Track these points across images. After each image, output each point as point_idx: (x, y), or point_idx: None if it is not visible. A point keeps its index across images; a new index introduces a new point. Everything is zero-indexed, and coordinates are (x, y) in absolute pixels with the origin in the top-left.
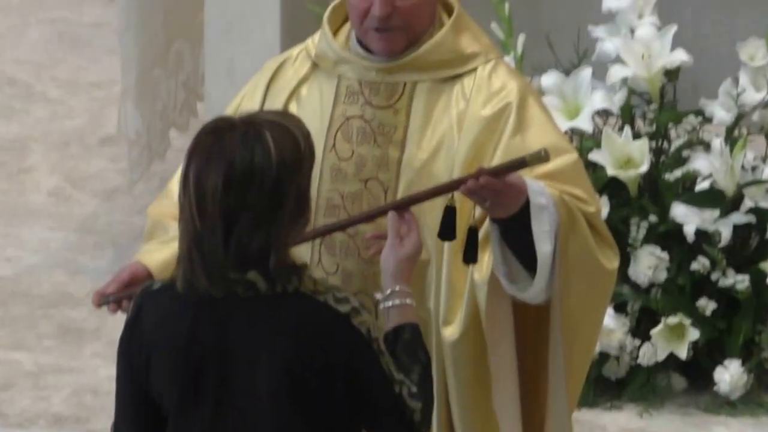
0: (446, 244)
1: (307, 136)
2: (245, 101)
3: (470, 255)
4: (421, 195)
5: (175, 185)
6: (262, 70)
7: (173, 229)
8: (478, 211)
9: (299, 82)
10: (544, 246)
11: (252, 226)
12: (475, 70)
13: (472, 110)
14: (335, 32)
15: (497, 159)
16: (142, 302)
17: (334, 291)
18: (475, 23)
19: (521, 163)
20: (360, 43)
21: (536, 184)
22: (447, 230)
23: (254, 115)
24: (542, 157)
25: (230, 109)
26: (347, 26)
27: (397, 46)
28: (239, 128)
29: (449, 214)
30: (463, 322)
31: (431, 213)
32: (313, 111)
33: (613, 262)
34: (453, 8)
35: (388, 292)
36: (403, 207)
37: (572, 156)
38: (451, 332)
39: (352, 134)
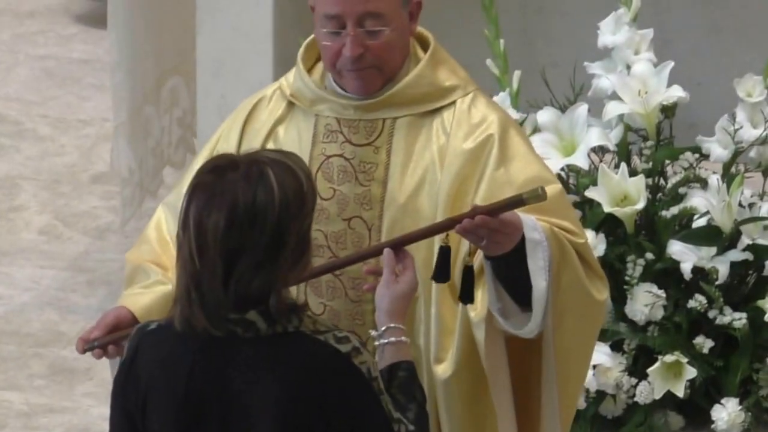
0: (434, 283)
1: (308, 175)
2: (221, 143)
3: (467, 295)
4: (416, 234)
5: (152, 231)
6: (237, 111)
7: (154, 273)
8: (466, 246)
9: (276, 122)
10: (539, 282)
11: (253, 267)
12: (454, 103)
13: (454, 144)
14: (309, 70)
15: (481, 192)
16: (139, 343)
17: (334, 331)
18: (450, 57)
19: (519, 202)
20: (336, 80)
21: (529, 219)
22: (441, 272)
23: (256, 153)
24: (540, 195)
25: (206, 151)
26: (321, 64)
27: (372, 84)
28: (241, 166)
29: (444, 255)
30: (456, 360)
31: (418, 250)
32: (292, 151)
33: (602, 293)
34: (428, 42)
35: (383, 329)
36: (398, 246)
37: (557, 187)
38: (443, 369)
39: (333, 173)
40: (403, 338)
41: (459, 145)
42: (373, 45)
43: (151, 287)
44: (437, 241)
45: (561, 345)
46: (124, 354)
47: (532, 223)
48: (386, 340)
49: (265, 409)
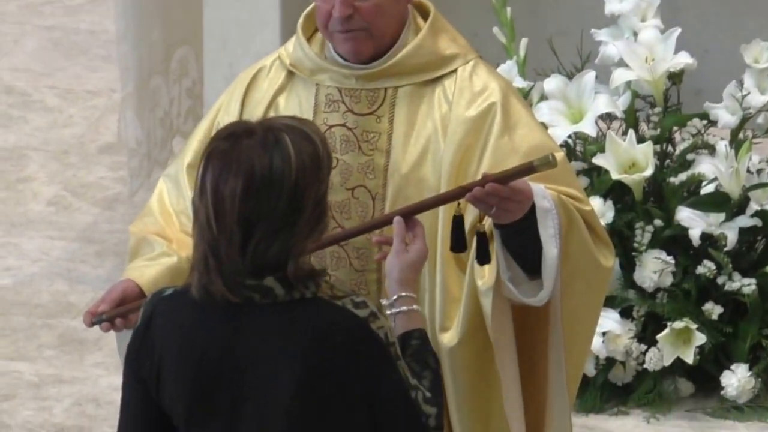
0: (438, 250)
1: (324, 140)
2: (221, 114)
3: (484, 257)
4: (426, 203)
5: (155, 203)
6: (236, 82)
7: (159, 245)
8: (472, 215)
9: (276, 92)
10: (551, 250)
11: (270, 233)
12: (455, 71)
13: (456, 112)
14: (309, 39)
15: (486, 160)
16: (153, 309)
17: (351, 296)
18: (450, 25)
19: (530, 169)
20: (336, 50)
21: (538, 187)
22: (457, 242)
23: (271, 120)
24: (550, 162)
25: (206, 122)
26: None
27: (363, 47)
28: (257, 133)
29: (458, 224)
30: (461, 328)
31: (423, 218)
32: None
33: (609, 260)
34: (428, 11)
35: (394, 298)
36: (408, 215)
37: (560, 154)
38: (449, 338)
39: (336, 143)
40: (414, 306)
41: (461, 113)
42: (362, 6)
43: (156, 259)
44: (442, 209)
45: (568, 311)
46: (138, 320)
47: (541, 191)
48: (398, 309)
49: (282, 375)
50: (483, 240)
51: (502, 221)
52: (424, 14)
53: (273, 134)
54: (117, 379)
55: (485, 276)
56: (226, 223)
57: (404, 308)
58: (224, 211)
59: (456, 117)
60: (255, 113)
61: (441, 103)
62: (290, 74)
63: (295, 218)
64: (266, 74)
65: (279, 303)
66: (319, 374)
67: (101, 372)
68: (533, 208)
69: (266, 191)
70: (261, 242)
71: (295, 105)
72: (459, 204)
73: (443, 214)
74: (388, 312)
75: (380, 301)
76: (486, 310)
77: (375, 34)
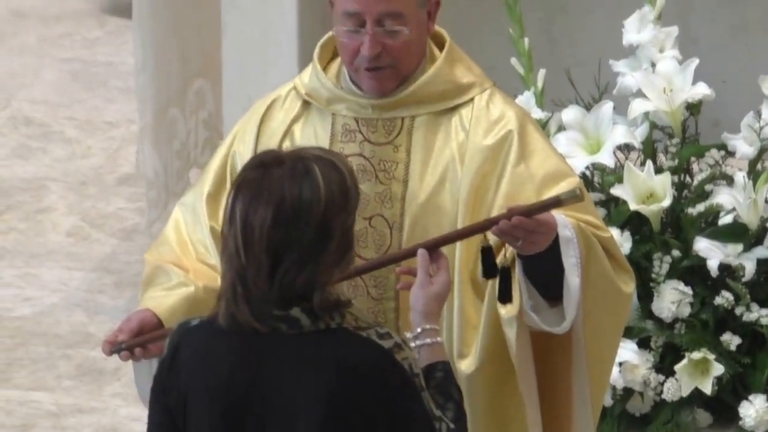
0: (457, 277)
1: (351, 171)
2: (237, 144)
3: (506, 295)
4: (451, 236)
5: (171, 232)
6: (251, 112)
7: (176, 275)
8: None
9: (291, 122)
10: (573, 279)
11: (298, 262)
12: (472, 100)
13: (473, 140)
14: (324, 68)
15: (503, 188)
16: (180, 339)
17: (376, 327)
18: (465, 54)
19: (556, 203)
20: (352, 80)
21: (559, 216)
22: (490, 269)
23: (301, 150)
24: (577, 196)
25: (222, 150)
26: (336, 62)
27: (388, 84)
28: (287, 163)
29: (487, 254)
30: (480, 356)
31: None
32: None
33: (629, 286)
34: (443, 40)
35: (419, 330)
36: (433, 247)
37: (576, 180)
38: (467, 365)
39: None
40: (438, 339)
41: (479, 141)
42: (391, 44)
43: (174, 289)
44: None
45: (589, 338)
46: (165, 350)
47: (562, 220)
48: (422, 342)
49: (307, 406)
50: (506, 276)
51: (527, 252)
52: (439, 43)
53: (302, 164)
54: (135, 410)
55: (509, 305)
56: (255, 253)
57: (428, 341)
58: (253, 240)
59: (473, 145)
60: (270, 143)
61: (458, 132)
62: (306, 104)
63: (323, 248)
64: (281, 104)
65: (305, 333)
66: (344, 405)
67: (120, 402)
68: (555, 236)
69: (295, 221)
70: (289, 272)
71: (311, 135)
72: (485, 235)
73: (462, 241)
74: (413, 344)
75: (405, 334)
76: (510, 339)
77: (401, 71)
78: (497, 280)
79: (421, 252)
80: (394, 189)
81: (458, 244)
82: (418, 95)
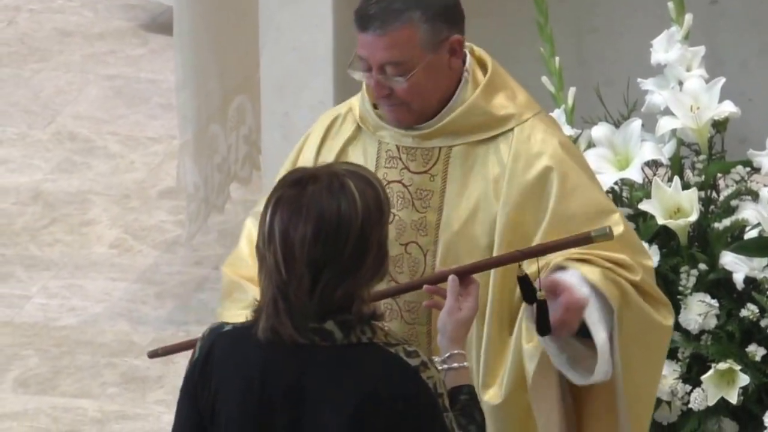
0: (488, 306)
1: (382, 185)
2: (305, 152)
3: (544, 328)
4: (483, 264)
5: (245, 245)
6: (316, 125)
7: (252, 291)
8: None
9: (346, 142)
10: (599, 335)
11: (338, 276)
12: (511, 130)
13: (512, 174)
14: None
15: (544, 227)
16: (213, 343)
17: (404, 344)
18: (511, 79)
19: (586, 239)
20: None
21: (575, 275)
22: (530, 295)
23: (332, 166)
24: (607, 234)
25: (289, 163)
26: None
27: (405, 118)
28: (322, 179)
29: (525, 282)
30: (507, 387)
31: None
32: None
33: (668, 319)
34: (486, 66)
35: (446, 355)
36: (464, 274)
37: (617, 215)
38: (491, 395)
39: (393, 198)
40: (465, 363)
41: (518, 175)
42: (396, 88)
43: (248, 308)
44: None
45: (630, 378)
46: (196, 352)
47: (578, 280)
48: (449, 366)
49: (334, 418)
50: (544, 308)
51: (561, 334)
52: (484, 67)
53: (338, 180)
54: None
55: (533, 337)
56: (296, 268)
57: (455, 365)
58: (294, 256)
59: (511, 179)
60: (328, 158)
61: (494, 165)
62: (359, 127)
63: (361, 261)
64: (341, 122)
65: (337, 346)
66: (368, 420)
67: (163, 409)
68: None
69: (335, 235)
70: (329, 285)
71: (360, 156)
72: (519, 265)
73: (497, 271)
74: (440, 367)
75: (433, 358)
76: (528, 372)
77: (415, 108)
78: (529, 311)
79: (452, 278)
80: (429, 218)
81: (492, 275)
82: (452, 127)
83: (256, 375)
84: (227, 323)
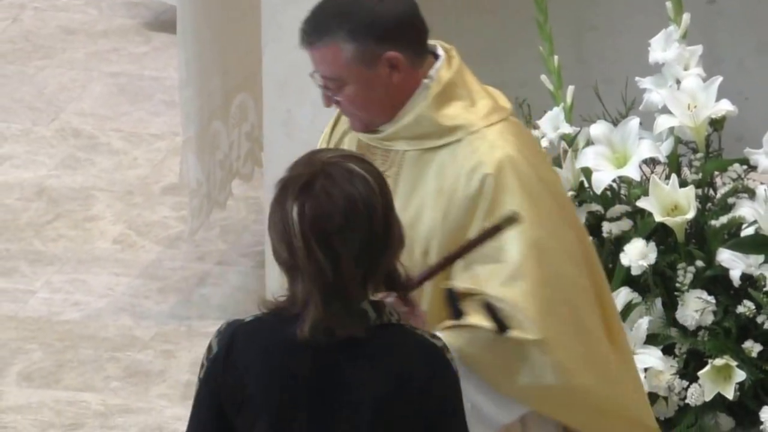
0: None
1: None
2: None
3: (457, 312)
4: (425, 273)
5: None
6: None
7: None
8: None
9: (343, 133)
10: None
11: (374, 257)
12: (459, 141)
13: (453, 187)
14: None
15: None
16: (233, 336)
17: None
18: (478, 87)
19: (496, 230)
20: None
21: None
22: (457, 311)
23: (323, 154)
24: (514, 218)
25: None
26: None
27: (356, 126)
28: (328, 168)
29: (450, 295)
30: None
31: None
32: None
33: (532, 332)
34: (459, 71)
35: None
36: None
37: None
38: None
39: None
40: None
41: (459, 189)
42: (340, 100)
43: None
44: None
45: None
46: (215, 348)
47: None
48: None
49: (369, 398)
50: (451, 296)
51: None
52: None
53: (340, 167)
54: (180, 410)
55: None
56: (342, 263)
57: None
58: (336, 252)
59: (453, 193)
60: (336, 140)
61: (439, 175)
62: None
63: (390, 234)
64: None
65: (370, 327)
66: (403, 399)
67: (165, 403)
68: None
69: (366, 218)
70: (370, 268)
71: (349, 148)
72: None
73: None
74: None
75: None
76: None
77: (362, 118)
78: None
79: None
80: None
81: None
82: (403, 133)
83: (288, 359)
84: (248, 316)
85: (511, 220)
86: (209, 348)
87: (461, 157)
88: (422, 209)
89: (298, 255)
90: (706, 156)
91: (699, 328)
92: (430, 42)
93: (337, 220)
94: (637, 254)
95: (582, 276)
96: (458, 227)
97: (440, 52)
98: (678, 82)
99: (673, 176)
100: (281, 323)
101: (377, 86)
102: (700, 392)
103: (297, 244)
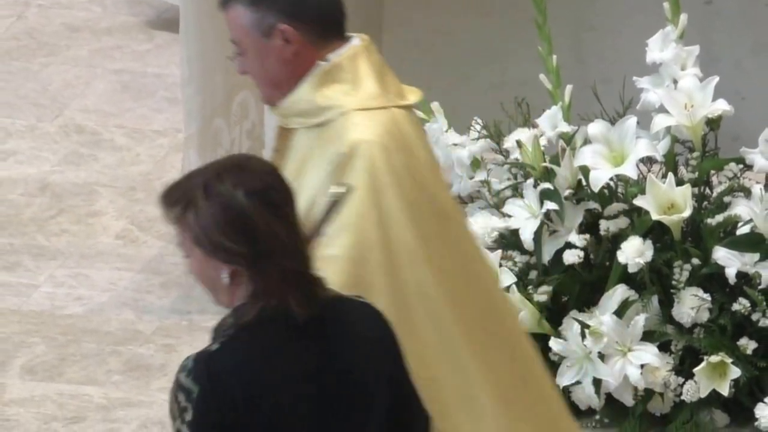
0: None
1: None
2: None
3: None
4: None
5: None
6: None
7: None
8: None
9: None
10: None
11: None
12: (333, 121)
13: (313, 165)
14: None
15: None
16: (211, 368)
17: None
18: (370, 72)
19: (334, 205)
20: None
21: None
22: None
23: (216, 166)
24: (345, 192)
25: None
26: None
27: (262, 98)
28: (235, 161)
29: None
30: None
31: None
32: None
33: None
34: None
35: None
36: None
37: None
38: None
39: None
40: None
41: (316, 166)
42: (247, 69)
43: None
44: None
45: None
46: (194, 388)
47: None
48: None
49: (374, 365)
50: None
51: None
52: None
53: (240, 161)
54: None
55: None
56: (297, 230)
57: None
58: (289, 219)
59: (312, 170)
60: None
61: (312, 153)
62: None
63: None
64: None
65: (331, 299)
66: (385, 358)
67: (166, 396)
68: None
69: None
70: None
71: None
72: None
73: None
74: None
75: None
76: None
77: (263, 90)
78: None
79: None
80: None
81: None
82: (290, 111)
83: (290, 363)
84: (212, 344)
85: (343, 193)
86: (185, 390)
87: (328, 135)
88: (300, 186)
89: (260, 232)
90: (702, 155)
91: (695, 325)
92: (355, 34)
93: (281, 188)
94: (634, 252)
95: (406, 273)
96: (311, 201)
97: (356, 41)
98: (675, 81)
99: (670, 175)
100: (261, 332)
101: (271, 57)
102: (695, 389)
103: (258, 220)
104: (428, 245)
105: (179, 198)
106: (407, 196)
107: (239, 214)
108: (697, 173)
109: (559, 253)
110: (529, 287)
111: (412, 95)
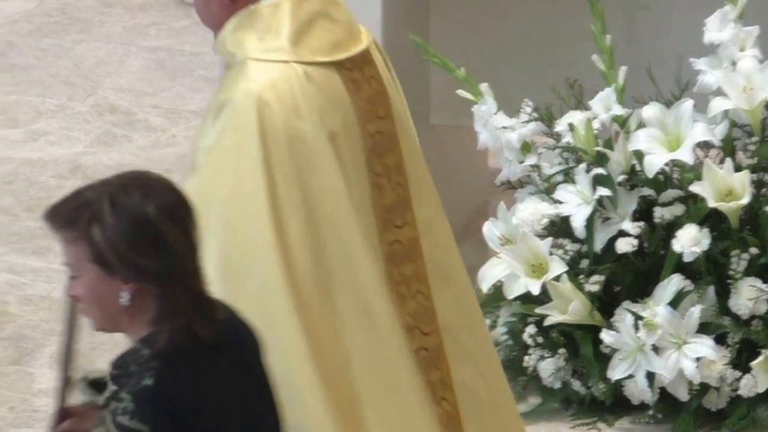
0: None
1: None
2: None
3: None
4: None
5: None
6: None
7: None
8: None
9: None
10: None
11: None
12: (236, 64)
13: (210, 107)
14: None
15: None
16: (156, 408)
17: None
18: (291, 23)
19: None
20: None
21: None
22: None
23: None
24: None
25: None
26: None
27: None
28: (137, 176)
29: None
30: None
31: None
32: None
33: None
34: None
35: None
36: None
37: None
38: None
39: None
40: None
41: (210, 109)
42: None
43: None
44: None
45: None
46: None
47: None
48: None
49: (257, 362)
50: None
51: None
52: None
53: (142, 179)
54: None
55: None
56: (196, 248)
57: None
58: (191, 237)
59: (208, 110)
60: None
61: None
62: None
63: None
64: None
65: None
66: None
67: None
68: None
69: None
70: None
71: None
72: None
73: None
74: None
75: None
76: None
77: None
78: None
79: None
80: None
81: None
82: (218, 50)
83: (212, 385)
84: (139, 386)
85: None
86: None
87: (227, 81)
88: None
89: (171, 248)
90: (761, 140)
91: (752, 317)
92: None
93: (186, 206)
94: (690, 240)
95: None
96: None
97: None
98: (733, 63)
99: (728, 160)
100: (186, 357)
101: (213, 1)
102: (753, 383)
103: (168, 236)
104: (280, 214)
105: (78, 213)
106: (271, 156)
107: (150, 229)
108: (756, 159)
109: (611, 241)
110: (581, 276)
111: (341, 53)
